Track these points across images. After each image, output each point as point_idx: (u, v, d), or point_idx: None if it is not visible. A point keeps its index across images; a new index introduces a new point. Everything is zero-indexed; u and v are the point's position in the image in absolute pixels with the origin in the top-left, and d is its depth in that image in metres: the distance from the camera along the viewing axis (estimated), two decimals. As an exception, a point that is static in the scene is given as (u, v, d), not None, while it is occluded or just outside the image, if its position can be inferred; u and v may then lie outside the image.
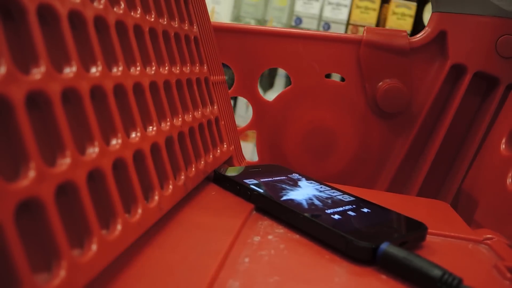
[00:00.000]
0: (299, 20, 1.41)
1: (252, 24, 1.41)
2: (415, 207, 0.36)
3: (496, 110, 0.40)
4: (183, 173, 0.28)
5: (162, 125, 0.26)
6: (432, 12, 0.44)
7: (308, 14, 1.41)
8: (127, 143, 0.22)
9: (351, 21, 1.39)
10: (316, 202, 0.29)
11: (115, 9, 0.23)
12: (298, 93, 0.45)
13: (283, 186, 0.32)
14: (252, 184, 0.31)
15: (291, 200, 0.29)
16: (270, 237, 0.26)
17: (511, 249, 0.28)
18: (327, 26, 1.39)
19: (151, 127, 0.25)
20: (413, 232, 0.27)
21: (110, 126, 0.21)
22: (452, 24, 0.42)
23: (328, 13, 1.40)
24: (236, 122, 0.45)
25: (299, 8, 1.42)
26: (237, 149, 0.43)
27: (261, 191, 0.30)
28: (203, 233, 0.25)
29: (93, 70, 0.20)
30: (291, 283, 0.21)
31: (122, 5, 0.24)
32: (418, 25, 1.37)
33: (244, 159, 0.45)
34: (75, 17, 0.20)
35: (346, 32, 1.39)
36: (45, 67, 0.16)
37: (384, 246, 0.23)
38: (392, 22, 1.37)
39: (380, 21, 1.40)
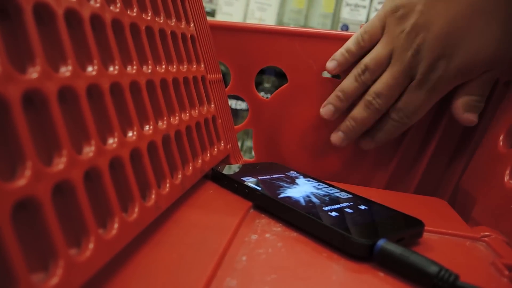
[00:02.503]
0: (345, 27, 1.36)
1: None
2: (413, 205, 0.36)
3: (494, 107, 0.40)
4: (180, 172, 0.28)
5: (159, 123, 0.26)
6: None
7: (355, 21, 1.36)
8: (124, 142, 0.22)
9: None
10: (314, 199, 0.29)
11: (111, 7, 0.23)
12: (295, 91, 0.45)
13: (281, 183, 0.32)
14: (250, 182, 0.31)
15: (289, 197, 0.29)
16: (267, 235, 0.26)
17: (509, 246, 0.28)
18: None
19: (148, 126, 0.25)
20: (410, 228, 0.27)
21: (106, 125, 0.21)
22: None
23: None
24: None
25: (346, 15, 1.37)
26: (234, 148, 0.43)
27: (259, 189, 0.30)
28: (200, 232, 0.25)
29: (90, 69, 0.20)
30: (289, 281, 0.21)
31: (119, 4, 0.24)
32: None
33: (242, 157, 0.45)
34: (72, 16, 0.20)
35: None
36: (42, 66, 0.16)
37: (381, 242, 0.23)
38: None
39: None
